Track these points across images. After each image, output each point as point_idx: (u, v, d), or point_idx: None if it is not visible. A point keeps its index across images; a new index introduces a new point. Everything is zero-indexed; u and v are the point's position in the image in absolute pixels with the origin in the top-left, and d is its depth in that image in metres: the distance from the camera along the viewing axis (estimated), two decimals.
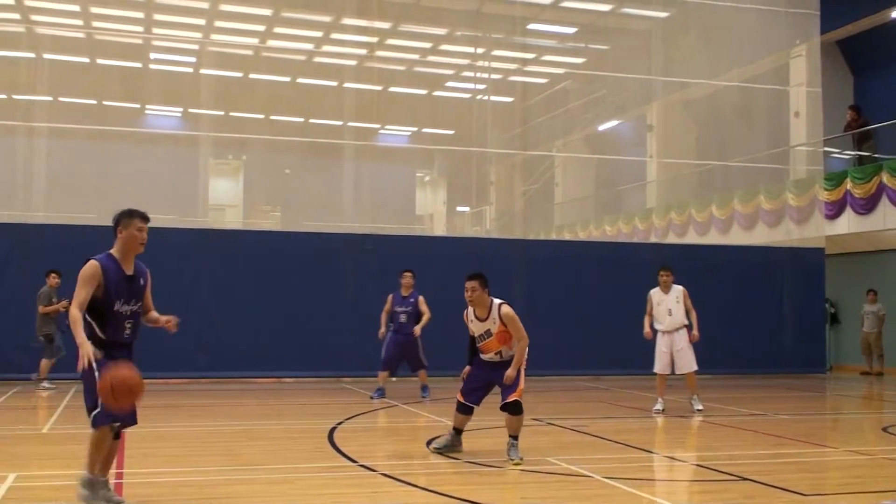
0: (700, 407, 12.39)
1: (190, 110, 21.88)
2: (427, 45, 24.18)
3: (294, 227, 19.25)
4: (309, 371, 17.00)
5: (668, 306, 12.54)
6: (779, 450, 9.45)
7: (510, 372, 8.53)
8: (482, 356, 8.87)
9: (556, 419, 11.75)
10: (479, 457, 8.62)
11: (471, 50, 23.41)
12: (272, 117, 21.95)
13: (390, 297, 14.16)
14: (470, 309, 8.87)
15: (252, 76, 22.28)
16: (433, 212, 27.67)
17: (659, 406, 12.47)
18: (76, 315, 5.83)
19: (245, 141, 21.78)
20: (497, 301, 8.79)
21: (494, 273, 19.31)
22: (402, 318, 13.94)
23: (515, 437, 8.56)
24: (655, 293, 12.71)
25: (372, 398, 13.68)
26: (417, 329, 13.89)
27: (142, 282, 6.33)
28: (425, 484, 7.23)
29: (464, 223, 26.30)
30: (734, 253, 20.22)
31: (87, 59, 21.08)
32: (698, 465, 8.39)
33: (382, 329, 13.90)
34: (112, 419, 5.87)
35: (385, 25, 21.87)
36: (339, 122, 21.07)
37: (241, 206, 23.72)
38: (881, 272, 20.40)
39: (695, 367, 12.54)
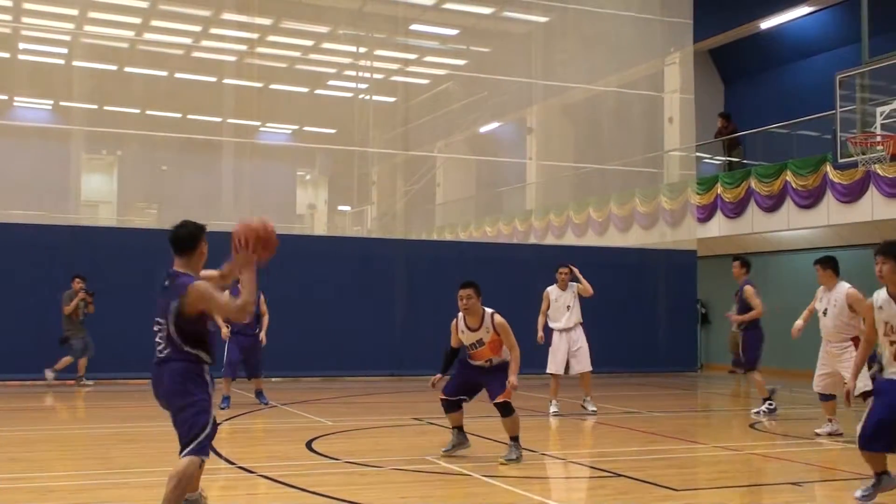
0: (594, 408, 12.46)
1: (61, 103, 21.08)
2: (309, 42, 23.95)
3: (170, 225, 18.75)
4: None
5: (567, 303, 12.57)
6: (652, 446, 9.71)
7: (512, 380, 8.35)
8: (471, 361, 8.75)
9: (436, 419, 11.79)
10: (358, 457, 8.58)
11: (353, 49, 23.29)
12: (148, 112, 21.33)
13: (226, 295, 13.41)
14: (460, 318, 8.77)
15: (127, 69, 21.60)
16: (314, 211, 27.43)
17: (555, 408, 12.39)
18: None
19: (120, 136, 21.10)
20: (489, 310, 8.70)
21: (375, 273, 19.40)
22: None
23: (515, 439, 8.48)
24: (552, 290, 12.66)
25: (221, 408, 12.49)
26: (263, 336, 13.04)
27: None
28: (305, 485, 7.14)
29: (345, 222, 26.17)
30: (610, 254, 20.71)
31: None
32: (574, 463, 8.55)
33: (225, 330, 12.68)
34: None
35: (266, 22, 21.55)
36: (219, 119, 20.65)
37: (116, 203, 22.99)
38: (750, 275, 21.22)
39: (590, 368, 12.61)
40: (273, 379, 16.94)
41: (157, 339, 5.53)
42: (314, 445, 9.23)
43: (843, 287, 9.95)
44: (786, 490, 7.70)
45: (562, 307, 12.60)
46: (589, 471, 8.16)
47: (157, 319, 5.56)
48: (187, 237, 5.98)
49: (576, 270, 12.62)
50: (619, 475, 7.85)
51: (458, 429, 8.82)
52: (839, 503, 7.31)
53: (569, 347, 12.55)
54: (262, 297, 13.04)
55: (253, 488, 7.23)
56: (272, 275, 17.57)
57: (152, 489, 7.04)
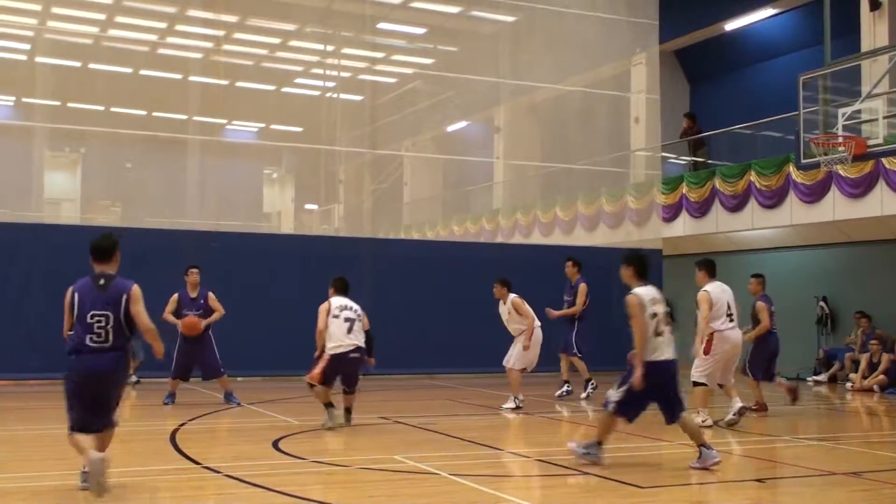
0: (511, 405, 12.69)
1: (24, 100, 20.80)
2: (276, 40, 23.81)
3: (135, 223, 18.55)
4: (157, 371, 16.37)
5: (504, 315, 13.07)
6: (618, 444, 9.76)
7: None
8: None
9: (402, 417, 11.79)
10: (325, 456, 8.55)
11: (320, 47, 23.19)
12: (112, 109, 21.08)
13: (175, 296, 12.92)
14: None
15: (91, 66, 21.34)
16: (281, 209, 27.29)
17: (512, 404, 12.69)
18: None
19: (83, 133, 20.85)
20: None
21: (341, 271, 19.21)
22: None
23: None
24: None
25: (165, 404, 12.67)
26: (201, 323, 12.73)
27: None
28: (271, 484, 7.11)
29: (312, 221, 26.05)
30: (577, 253, 20.72)
31: None
32: (541, 461, 8.57)
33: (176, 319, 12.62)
34: None
35: (232, 19, 21.39)
36: (184, 117, 20.48)
37: (79, 201, 22.72)
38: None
39: (510, 366, 12.95)
40: (239, 378, 16.83)
41: (97, 330, 6.66)
42: (281, 445, 9.19)
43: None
44: (750, 487, 7.78)
45: (503, 320, 13.06)
46: (555, 468, 8.19)
47: (100, 312, 6.72)
48: (111, 247, 7.26)
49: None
50: (586, 473, 7.88)
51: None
52: (801, 499, 7.40)
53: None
54: (211, 295, 13.03)
55: (219, 488, 7.19)
56: (238, 273, 17.54)
57: (116, 489, 6.97)
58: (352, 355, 10.39)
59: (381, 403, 13.73)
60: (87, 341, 6.65)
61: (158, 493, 7.07)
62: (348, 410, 10.72)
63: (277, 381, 16.84)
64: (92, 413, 6.67)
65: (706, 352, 10.64)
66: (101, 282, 6.86)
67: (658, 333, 8.61)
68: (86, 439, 6.63)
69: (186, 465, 8.09)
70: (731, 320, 10.87)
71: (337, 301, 10.58)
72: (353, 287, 18.12)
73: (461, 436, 10.14)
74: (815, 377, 18.54)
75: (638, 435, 10.00)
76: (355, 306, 10.66)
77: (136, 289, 6.90)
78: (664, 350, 8.46)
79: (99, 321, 6.66)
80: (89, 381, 6.64)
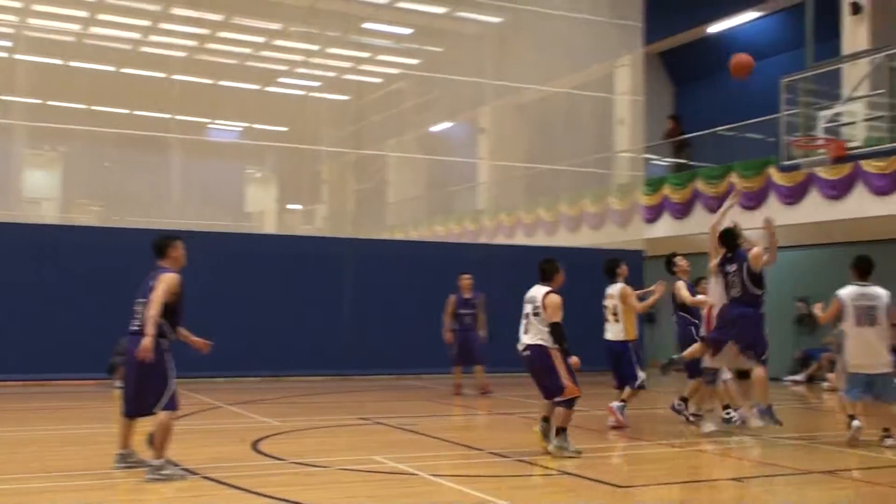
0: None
1: (3, 97, 20.63)
2: (260, 39, 23.73)
3: (116, 223, 18.45)
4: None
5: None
6: (597, 444, 9.79)
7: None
8: None
9: (383, 418, 11.78)
10: (304, 457, 8.53)
11: (305, 46, 23.13)
12: (94, 108, 20.96)
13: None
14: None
15: (73, 64, 21.22)
16: (263, 209, 27.20)
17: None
18: None
19: (64, 132, 20.71)
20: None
21: (325, 272, 19.28)
22: None
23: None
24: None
25: None
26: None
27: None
28: (250, 486, 7.08)
29: (295, 221, 25.97)
30: (560, 254, 20.61)
31: None
32: (521, 461, 8.57)
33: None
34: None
35: (217, 17, 21.31)
36: (167, 115, 20.39)
37: (59, 200, 22.57)
38: (695, 274, 21.48)
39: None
40: (219, 379, 16.78)
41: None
42: (260, 446, 9.16)
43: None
44: (728, 486, 7.81)
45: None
46: (535, 468, 8.19)
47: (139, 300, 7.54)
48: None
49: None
50: (565, 472, 7.89)
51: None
52: (779, 498, 7.42)
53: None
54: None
55: (198, 490, 7.15)
56: (221, 273, 17.45)
57: (95, 492, 6.96)
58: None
59: (361, 404, 13.72)
60: None
61: (137, 495, 7.04)
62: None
63: (257, 382, 16.80)
64: None
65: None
66: None
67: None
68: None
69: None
70: None
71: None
72: (335, 288, 18.23)
73: (441, 436, 10.14)
74: (792, 377, 18.65)
75: (618, 435, 10.04)
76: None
77: None
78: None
79: None
80: None
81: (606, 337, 11.01)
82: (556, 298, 8.88)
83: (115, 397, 13.65)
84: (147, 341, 7.17)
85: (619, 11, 21.85)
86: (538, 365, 8.75)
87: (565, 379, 8.61)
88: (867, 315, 9.54)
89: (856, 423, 9.53)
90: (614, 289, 11.09)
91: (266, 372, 17.35)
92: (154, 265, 7.82)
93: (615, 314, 10.99)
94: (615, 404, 10.86)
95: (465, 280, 15.01)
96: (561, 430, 8.65)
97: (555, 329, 8.72)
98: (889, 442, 9.57)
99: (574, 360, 8.77)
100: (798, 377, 18.46)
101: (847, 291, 9.75)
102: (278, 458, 8.47)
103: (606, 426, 10.61)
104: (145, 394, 7.43)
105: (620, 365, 10.99)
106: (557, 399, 8.62)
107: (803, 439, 10.07)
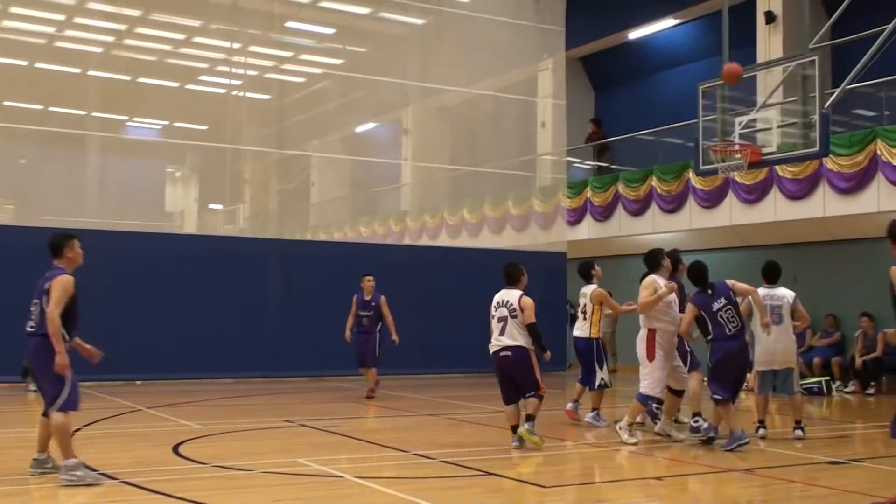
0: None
1: None
2: (180, 36, 23.32)
3: (30, 222, 17.92)
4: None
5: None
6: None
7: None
8: None
9: (307, 420, 11.70)
10: (227, 460, 8.42)
11: (226, 44, 22.80)
12: (6, 103, 20.31)
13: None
14: None
15: None
16: (184, 209, 26.75)
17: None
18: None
19: None
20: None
21: (247, 273, 19.06)
22: None
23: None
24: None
25: None
26: None
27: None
28: (171, 490, 6.97)
29: (216, 221, 25.59)
30: (484, 256, 20.91)
31: None
32: (447, 462, 8.61)
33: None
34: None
35: (135, 13, 20.86)
36: (83, 112, 19.90)
37: None
38: (616, 276, 21.76)
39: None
40: (138, 382, 16.48)
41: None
42: (181, 450, 9.02)
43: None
44: (649, 484, 7.95)
45: None
46: (460, 469, 8.23)
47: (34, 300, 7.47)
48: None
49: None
50: (490, 474, 7.95)
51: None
52: (698, 496, 7.59)
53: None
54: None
55: (116, 495, 7.01)
56: (139, 274, 17.12)
57: (9, 498, 6.76)
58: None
59: (286, 406, 13.60)
60: None
61: (52, 501, 6.87)
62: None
63: (179, 385, 16.52)
64: None
65: None
66: None
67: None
68: None
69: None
70: None
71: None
72: (258, 288, 18.03)
73: (366, 438, 10.12)
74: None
75: (543, 435, 10.11)
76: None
77: None
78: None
79: None
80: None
81: (574, 334, 11.74)
82: (530, 300, 9.57)
83: (31, 400, 13.33)
84: (59, 357, 7.25)
85: (542, 16, 22.11)
86: (519, 365, 9.44)
87: (539, 376, 9.48)
88: (774, 314, 10.10)
89: (761, 431, 10.28)
90: (588, 289, 11.72)
91: (188, 374, 17.07)
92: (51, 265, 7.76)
93: (584, 312, 11.62)
94: (570, 405, 11.85)
95: (367, 282, 14.68)
96: (531, 418, 9.39)
97: (533, 329, 9.45)
98: (798, 433, 10.20)
99: (548, 354, 9.59)
100: None
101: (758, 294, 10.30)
102: (200, 462, 8.34)
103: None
104: (47, 394, 7.47)
105: (584, 361, 11.63)
106: (531, 394, 9.43)
107: (723, 438, 10.30)
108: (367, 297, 14.64)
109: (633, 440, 9.72)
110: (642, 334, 10.02)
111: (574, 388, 12.08)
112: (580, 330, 11.63)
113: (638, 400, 9.89)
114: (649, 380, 9.81)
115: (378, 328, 14.59)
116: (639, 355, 10.02)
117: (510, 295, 9.67)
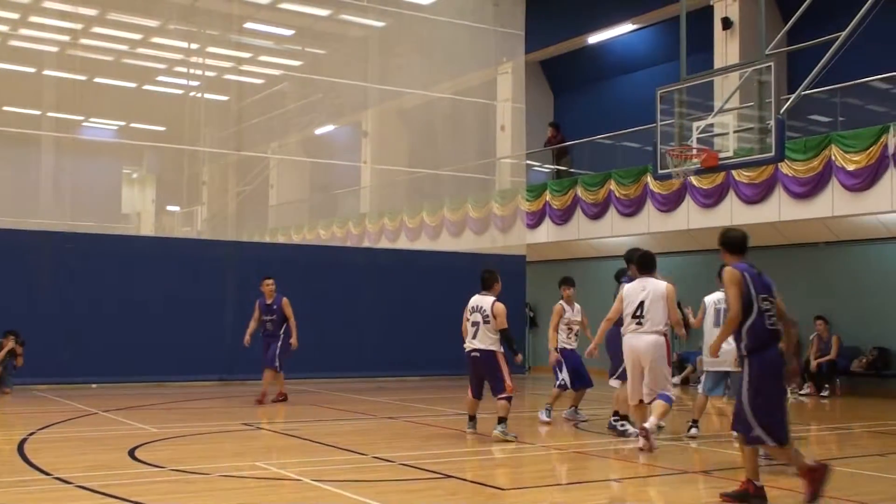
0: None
1: None
2: (137, 36, 23.09)
3: None
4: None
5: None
6: (480, 447, 9.90)
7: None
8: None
9: (265, 423, 11.62)
10: (184, 464, 8.34)
11: (184, 45, 22.61)
12: None
13: None
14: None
15: None
16: (141, 210, 26.49)
17: None
18: None
19: None
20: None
21: (204, 275, 18.92)
22: None
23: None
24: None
25: None
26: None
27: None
28: (126, 494, 6.88)
29: (173, 223, 25.38)
30: (443, 258, 20.95)
31: None
32: (405, 465, 8.60)
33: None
34: None
35: (91, 12, 20.62)
36: (37, 112, 19.62)
37: None
38: (576, 279, 21.98)
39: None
40: (93, 385, 16.26)
41: None
42: (137, 453, 8.91)
43: None
44: (607, 486, 8.00)
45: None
46: (419, 472, 8.22)
47: None
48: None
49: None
50: (449, 476, 7.95)
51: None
52: (655, 497, 7.65)
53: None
54: None
55: (69, 500, 6.90)
56: (95, 276, 16.91)
57: None
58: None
59: (243, 410, 13.50)
60: None
61: None
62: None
63: (135, 388, 16.33)
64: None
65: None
66: None
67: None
68: None
69: (35, 475, 7.75)
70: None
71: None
72: (216, 291, 17.88)
73: (324, 441, 10.07)
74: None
75: (501, 438, 10.15)
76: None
77: None
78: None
79: None
80: None
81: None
82: (502, 307, 10.19)
83: None
84: None
85: (502, 19, 22.19)
86: (487, 367, 10.27)
87: (507, 378, 10.20)
88: (724, 316, 9.97)
89: (694, 430, 10.46)
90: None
91: (145, 378, 16.89)
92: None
93: (571, 329, 12.44)
94: (566, 413, 12.30)
95: (267, 285, 14.28)
96: (502, 420, 10.08)
97: (505, 334, 10.21)
98: (693, 431, 10.47)
99: (518, 357, 10.51)
100: (674, 380, 19.03)
101: (711, 297, 10.63)
102: (157, 466, 8.25)
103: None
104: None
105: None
106: (501, 395, 10.14)
107: (679, 440, 10.39)
108: (269, 301, 14.27)
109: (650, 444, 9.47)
110: (654, 340, 9.81)
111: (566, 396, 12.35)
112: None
113: (665, 401, 9.63)
114: (668, 381, 9.91)
115: (282, 330, 14.26)
116: (650, 359, 9.75)
117: (484, 301, 10.34)
